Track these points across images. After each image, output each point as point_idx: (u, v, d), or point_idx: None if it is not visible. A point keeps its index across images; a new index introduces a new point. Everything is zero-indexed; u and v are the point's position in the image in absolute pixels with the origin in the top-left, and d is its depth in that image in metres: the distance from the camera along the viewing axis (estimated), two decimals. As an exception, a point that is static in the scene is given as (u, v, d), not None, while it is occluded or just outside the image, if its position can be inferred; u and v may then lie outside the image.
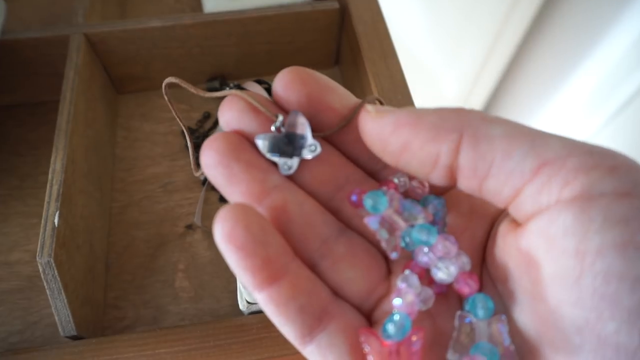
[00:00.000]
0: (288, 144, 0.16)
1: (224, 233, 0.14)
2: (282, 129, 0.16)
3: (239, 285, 0.27)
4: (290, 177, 0.16)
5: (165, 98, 0.17)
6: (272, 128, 0.16)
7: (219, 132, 0.34)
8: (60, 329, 0.25)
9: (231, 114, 0.16)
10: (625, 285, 0.11)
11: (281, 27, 0.36)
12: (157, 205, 0.34)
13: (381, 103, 0.17)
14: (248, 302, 0.26)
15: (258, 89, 0.34)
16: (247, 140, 0.16)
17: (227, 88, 0.37)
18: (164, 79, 0.38)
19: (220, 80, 0.38)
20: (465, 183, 0.14)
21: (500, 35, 0.87)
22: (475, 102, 1.04)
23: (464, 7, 0.80)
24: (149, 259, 0.31)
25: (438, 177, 0.15)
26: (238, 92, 0.16)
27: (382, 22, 0.34)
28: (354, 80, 0.35)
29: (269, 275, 0.14)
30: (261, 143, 0.16)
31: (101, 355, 0.24)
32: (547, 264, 0.13)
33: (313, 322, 0.15)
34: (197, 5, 0.43)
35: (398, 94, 0.30)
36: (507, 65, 0.96)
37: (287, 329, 0.15)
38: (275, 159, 0.16)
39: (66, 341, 0.26)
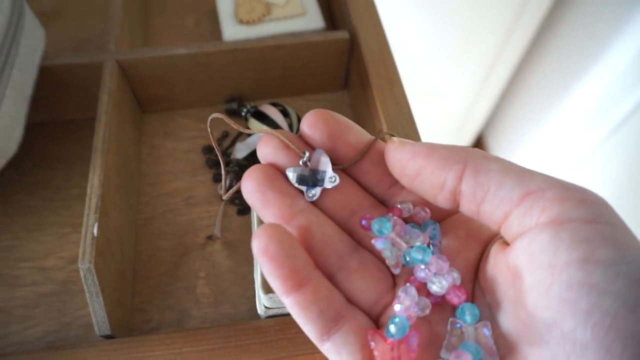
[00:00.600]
0: (312, 175, 0.19)
1: (260, 247, 0.17)
2: (308, 163, 0.19)
3: (257, 291, 0.30)
4: (313, 203, 0.20)
5: (209, 130, 0.20)
6: (300, 162, 0.19)
7: (237, 147, 0.37)
8: (96, 329, 0.28)
9: (267, 149, 0.20)
10: (583, 292, 0.14)
11: (295, 54, 0.39)
12: (179, 218, 0.36)
13: (393, 137, 0.20)
14: (265, 307, 0.29)
15: (273, 111, 0.37)
16: (279, 171, 0.20)
17: (245, 109, 0.40)
18: (186, 100, 0.41)
19: (238, 101, 0.41)
20: (466, 206, 0.18)
21: (504, 48, 0.89)
22: (477, 115, 1.06)
23: (468, 21, 0.83)
24: (173, 267, 0.34)
25: (443, 200, 0.18)
26: (274, 131, 0.19)
27: (389, 51, 0.37)
28: (362, 104, 0.38)
29: (295, 282, 0.17)
30: (291, 175, 0.19)
31: (134, 352, 0.27)
32: (527, 276, 0.16)
33: (330, 323, 0.18)
34: (216, 30, 0.47)
35: (403, 120, 0.33)
36: (509, 79, 0.99)
37: (308, 328, 0.18)
38: (302, 188, 0.19)
39: (100, 340, 0.29)
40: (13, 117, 0.31)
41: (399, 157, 0.19)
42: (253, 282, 0.34)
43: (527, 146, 0.94)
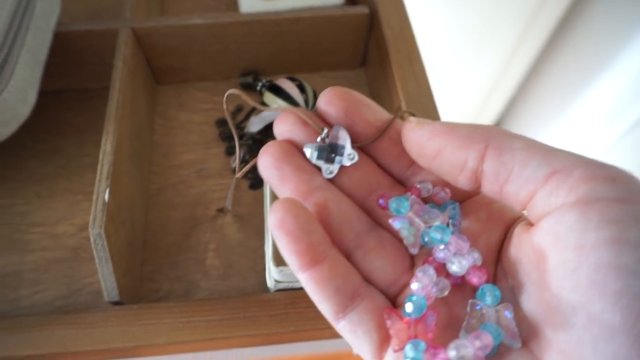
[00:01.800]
0: (331, 152, 0.19)
1: (276, 220, 0.16)
2: (326, 140, 0.19)
3: (267, 264, 0.29)
4: (331, 180, 0.19)
5: (224, 105, 0.20)
6: (318, 139, 0.19)
7: (251, 120, 0.37)
8: (105, 295, 0.28)
9: (284, 126, 0.19)
10: (611, 273, 0.13)
11: (313, 28, 0.38)
12: (191, 189, 0.36)
13: (413, 116, 0.20)
14: (276, 280, 0.28)
15: (289, 85, 0.37)
16: (296, 148, 0.19)
17: (260, 83, 0.39)
18: (201, 72, 0.40)
19: (253, 75, 0.40)
20: (488, 187, 0.17)
21: (522, 41, 0.88)
22: (492, 108, 1.05)
23: (485, 16, 0.81)
24: (183, 238, 0.34)
25: (464, 180, 0.17)
26: (292, 108, 0.19)
27: (409, 27, 0.36)
28: (380, 82, 0.37)
29: (312, 258, 0.17)
30: (309, 151, 0.19)
31: (142, 319, 0.27)
32: (553, 257, 0.15)
33: (346, 301, 0.17)
34: (232, 2, 0.46)
35: (422, 97, 0.32)
36: (526, 73, 0.97)
37: (323, 305, 0.18)
38: (320, 164, 0.19)
39: (109, 306, 0.29)
40: (27, 80, 0.31)
41: (417, 137, 0.18)
42: (263, 256, 0.33)
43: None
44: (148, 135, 0.38)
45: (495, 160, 0.16)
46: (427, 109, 0.32)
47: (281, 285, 0.28)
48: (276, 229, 0.16)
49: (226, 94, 0.20)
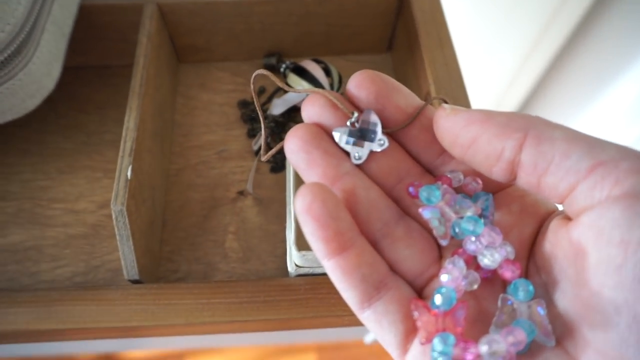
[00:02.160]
0: (360, 137, 0.18)
1: (303, 205, 0.16)
2: (356, 124, 0.18)
3: (288, 248, 0.29)
4: (359, 166, 0.19)
5: (252, 87, 0.19)
6: (348, 123, 0.18)
7: (274, 103, 0.36)
8: (125, 272, 0.28)
9: (313, 109, 0.18)
10: None
11: (341, 10, 0.37)
12: (211, 171, 0.36)
13: (445, 102, 0.19)
14: (297, 265, 0.28)
15: (314, 67, 0.36)
16: (325, 131, 0.18)
17: (284, 65, 0.38)
18: (224, 52, 0.40)
19: (277, 56, 0.39)
20: (525, 178, 0.16)
21: (542, 37, 0.86)
22: (509, 104, 1.03)
23: (509, 4, 0.79)
24: (202, 219, 0.34)
25: (499, 171, 0.16)
26: (321, 90, 0.18)
27: (440, 10, 0.35)
28: (408, 66, 0.36)
29: (338, 245, 0.16)
30: (338, 135, 0.18)
31: (161, 299, 0.27)
32: (594, 253, 0.14)
33: (372, 290, 0.17)
34: (257, -16, 0.45)
35: (452, 83, 0.31)
36: (545, 69, 0.95)
37: (348, 294, 0.17)
38: (349, 148, 0.18)
39: (128, 284, 0.29)
40: (52, 53, 0.30)
41: (451, 125, 0.17)
42: (283, 241, 0.33)
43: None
44: (170, 114, 0.37)
45: (534, 150, 0.15)
46: (457, 96, 0.31)
47: (302, 271, 0.28)
48: (303, 214, 0.16)
49: (254, 74, 0.20)
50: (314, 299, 0.27)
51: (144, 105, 0.30)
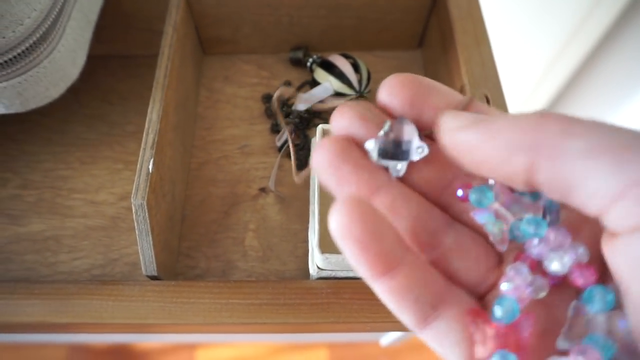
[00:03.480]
0: (396, 147, 0.16)
1: (340, 226, 0.14)
2: (390, 134, 0.16)
3: (310, 249, 0.28)
4: (399, 178, 0.17)
5: (275, 105, 0.18)
6: (381, 133, 0.16)
7: (299, 98, 0.35)
8: (143, 268, 0.27)
9: (342, 121, 0.17)
10: None
11: (372, 3, 0.35)
12: (233, 166, 0.35)
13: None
14: (319, 268, 0.27)
15: (343, 62, 0.35)
16: (356, 144, 0.17)
17: (310, 59, 0.37)
18: (250, 44, 0.39)
19: (304, 50, 0.38)
20: (550, 195, 0.14)
21: (581, 28, 0.82)
22: (541, 98, 0.99)
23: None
24: (222, 216, 0.33)
25: (526, 189, 0.15)
26: (349, 102, 0.17)
27: (478, 6, 0.33)
28: (440, 65, 0.35)
29: (385, 267, 0.14)
30: (371, 147, 0.17)
31: (179, 297, 0.26)
32: (634, 286, 0.12)
33: (428, 309, 0.15)
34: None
35: (489, 82, 0.30)
36: (578, 66, 0.91)
37: (403, 316, 0.15)
38: (385, 162, 0.17)
39: (146, 279, 0.28)
40: (77, 41, 0.30)
41: (453, 145, 0.15)
42: (304, 241, 0.32)
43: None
44: (193, 107, 0.36)
45: (550, 172, 0.13)
46: (494, 96, 0.29)
47: (324, 274, 0.27)
48: (340, 237, 0.14)
49: (275, 95, 0.18)
50: (336, 304, 0.26)
51: (167, 98, 0.30)
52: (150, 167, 0.27)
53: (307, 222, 0.30)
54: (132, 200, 0.26)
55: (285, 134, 0.35)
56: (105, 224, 0.33)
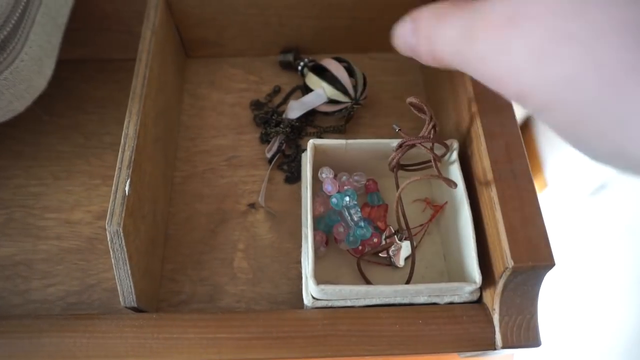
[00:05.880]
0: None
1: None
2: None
3: (304, 278, 0.25)
4: None
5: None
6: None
7: (290, 105, 0.32)
8: (121, 300, 0.25)
9: None
10: None
11: (366, 3, 0.33)
12: (220, 179, 0.32)
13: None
14: (314, 298, 0.24)
15: (336, 67, 0.32)
16: None
17: (301, 63, 0.35)
18: (237, 46, 0.36)
19: (294, 53, 0.35)
20: None
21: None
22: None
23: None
24: (209, 235, 0.31)
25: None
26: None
27: (481, 6, 0.31)
28: (437, 71, 0.32)
29: None
30: None
31: (161, 332, 0.24)
32: None
33: None
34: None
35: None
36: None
37: None
38: None
39: (125, 311, 0.26)
40: (43, 47, 0.27)
41: None
42: (298, 262, 0.29)
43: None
44: (175, 116, 0.34)
45: None
46: (500, 104, 0.27)
47: (319, 303, 0.25)
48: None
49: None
50: (334, 336, 0.24)
51: (145, 108, 0.27)
52: (127, 189, 0.24)
53: (300, 240, 0.28)
54: (106, 226, 0.23)
55: (276, 145, 0.32)
56: (81, 245, 0.30)
